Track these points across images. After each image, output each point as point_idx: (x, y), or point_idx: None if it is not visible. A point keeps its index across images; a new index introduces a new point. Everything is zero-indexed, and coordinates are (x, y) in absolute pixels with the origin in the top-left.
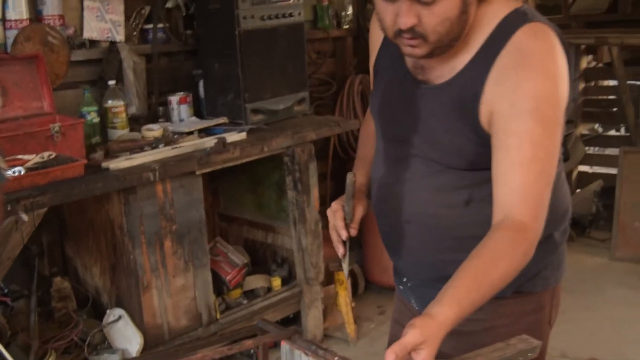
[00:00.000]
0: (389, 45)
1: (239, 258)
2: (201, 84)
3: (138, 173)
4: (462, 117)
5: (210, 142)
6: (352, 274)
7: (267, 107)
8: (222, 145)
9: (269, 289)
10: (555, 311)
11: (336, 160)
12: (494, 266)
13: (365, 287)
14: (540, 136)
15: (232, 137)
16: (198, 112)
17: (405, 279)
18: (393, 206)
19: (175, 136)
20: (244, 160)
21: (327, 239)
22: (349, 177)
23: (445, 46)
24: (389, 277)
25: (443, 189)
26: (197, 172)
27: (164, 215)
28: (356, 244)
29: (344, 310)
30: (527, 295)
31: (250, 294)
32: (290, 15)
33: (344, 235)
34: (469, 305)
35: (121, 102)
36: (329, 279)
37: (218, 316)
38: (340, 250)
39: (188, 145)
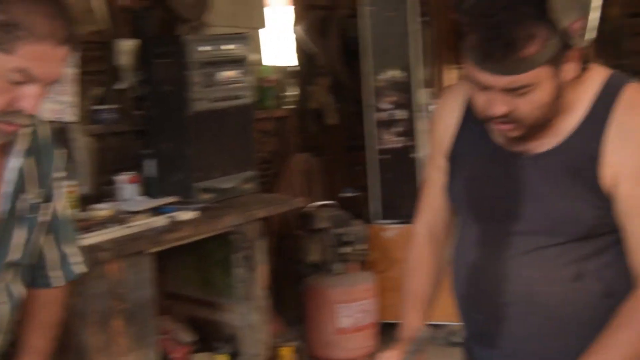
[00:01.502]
0: (468, 128)
1: (186, 336)
2: (150, 164)
3: (90, 253)
4: (578, 181)
5: (161, 221)
6: (295, 349)
7: (216, 186)
8: (174, 224)
9: None
10: None
11: (278, 237)
12: (612, 336)
13: None
14: None
15: (183, 215)
16: (147, 191)
17: None
18: (490, 289)
19: (126, 215)
20: (195, 239)
21: (272, 315)
22: (426, 331)
23: (542, 126)
24: (330, 352)
25: (549, 264)
26: (149, 251)
27: (114, 295)
28: (297, 320)
29: None
30: None
31: None
32: (240, 97)
33: None
34: None
35: (72, 182)
36: (274, 354)
37: None
38: None
39: (139, 224)
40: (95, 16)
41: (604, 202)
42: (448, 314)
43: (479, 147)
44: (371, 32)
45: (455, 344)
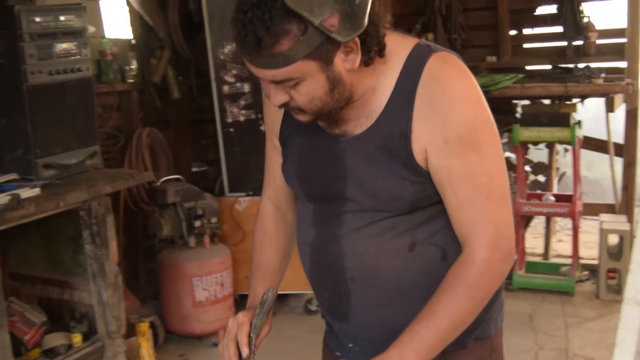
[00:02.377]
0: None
1: (36, 317)
2: None
3: None
4: (393, 159)
5: (2, 199)
6: (152, 325)
7: (58, 162)
8: (17, 201)
9: (70, 346)
10: (502, 351)
11: (127, 214)
12: (438, 300)
13: (165, 337)
14: (479, 163)
15: (26, 193)
16: None
17: (351, 345)
18: (332, 267)
19: None
20: (40, 216)
21: (126, 292)
22: (271, 292)
23: (333, 113)
24: (187, 326)
25: (382, 238)
26: None
27: None
28: (152, 296)
29: None
30: (483, 341)
31: (51, 353)
32: (79, 70)
33: (245, 352)
34: (423, 343)
35: None
36: (130, 331)
37: None
38: None
39: None
40: None
41: (420, 176)
42: (304, 283)
43: (305, 130)
44: (211, 4)
45: (311, 312)
